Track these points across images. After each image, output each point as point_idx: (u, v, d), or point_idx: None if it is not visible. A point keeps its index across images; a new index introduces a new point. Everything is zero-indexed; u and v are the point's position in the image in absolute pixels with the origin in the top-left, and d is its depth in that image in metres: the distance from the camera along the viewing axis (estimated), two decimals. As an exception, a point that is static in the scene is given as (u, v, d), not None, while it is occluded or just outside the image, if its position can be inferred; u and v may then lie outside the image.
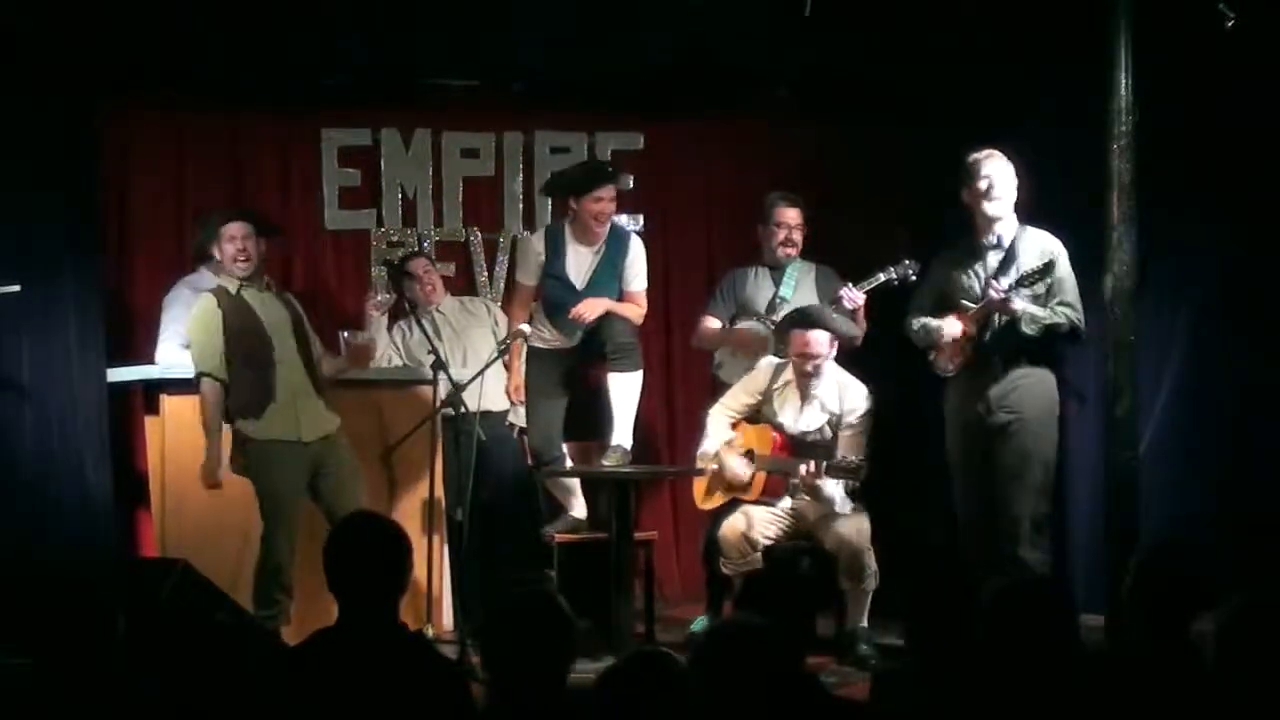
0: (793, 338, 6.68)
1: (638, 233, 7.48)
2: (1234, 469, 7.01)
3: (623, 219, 7.41)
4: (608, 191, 6.90)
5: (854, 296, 6.89)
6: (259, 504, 6.22)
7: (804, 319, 6.72)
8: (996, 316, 6.32)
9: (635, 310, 7.06)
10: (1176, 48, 6.61)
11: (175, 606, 5.37)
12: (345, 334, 6.68)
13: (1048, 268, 6.22)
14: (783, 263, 7.28)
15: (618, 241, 7.01)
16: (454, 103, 8.00)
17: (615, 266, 6.98)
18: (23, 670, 3.55)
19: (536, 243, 7.08)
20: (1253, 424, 6.99)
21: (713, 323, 7.33)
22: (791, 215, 7.27)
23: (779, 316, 7.16)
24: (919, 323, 6.53)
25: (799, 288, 7.20)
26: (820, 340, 6.62)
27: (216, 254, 6.44)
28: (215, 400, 6.26)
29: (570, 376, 7.16)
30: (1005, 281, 6.19)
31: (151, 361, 6.97)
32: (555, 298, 7.01)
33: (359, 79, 7.67)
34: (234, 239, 6.35)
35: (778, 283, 7.27)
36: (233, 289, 6.36)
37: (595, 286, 6.96)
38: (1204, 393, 7.03)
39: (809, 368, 6.63)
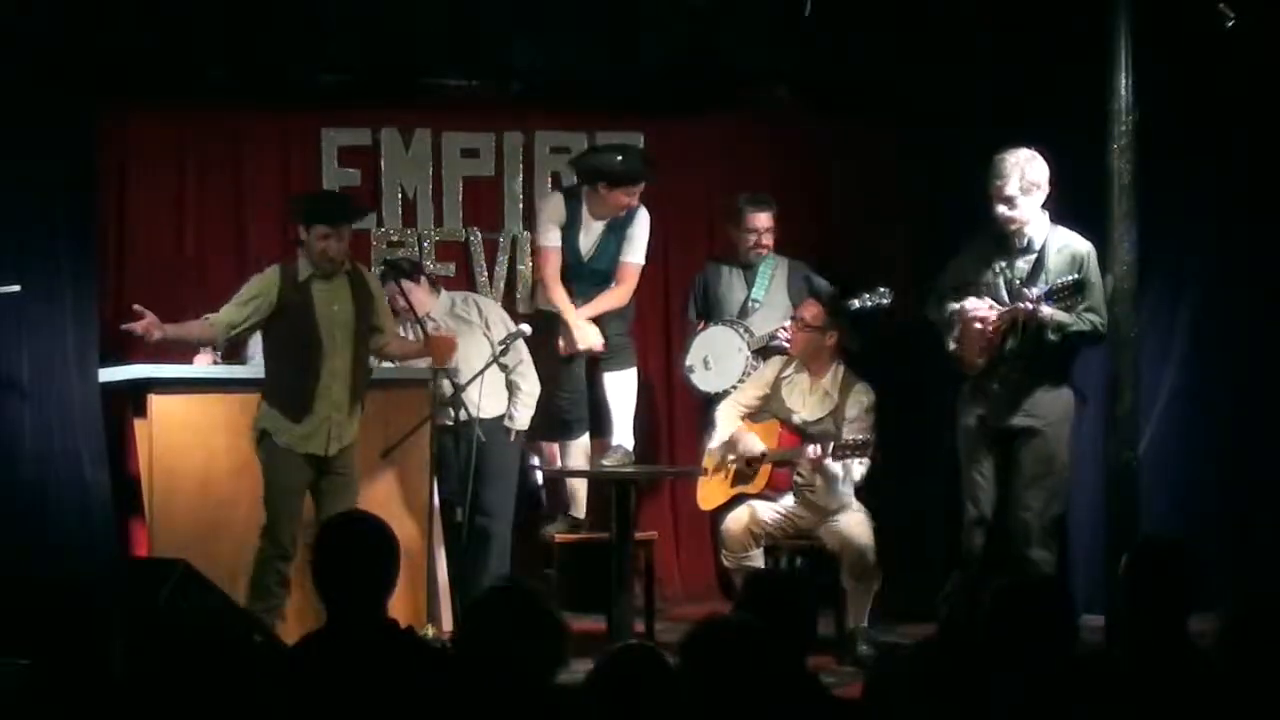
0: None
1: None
2: (1234, 469, 7.02)
3: None
4: (640, 188, 7.00)
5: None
6: (264, 494, 6.17)
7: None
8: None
9: (622, 292, 7.11)
10: (1176, 48, 6.62)
11: (175, 606, 5.36)
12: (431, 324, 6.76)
13: (1079, 286, 6.08)
14: (754, 262, 7.32)
15: (627, 214, 7.08)
16: (454, 103, 8.00)
17: (618, 236, 7.07)
18: (23, 670, 3.55)
19: (559, 203, 7.15)
20: (1253, 423, 7.00)
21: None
22: (761, 219, 7.33)
23: (751, 319, 7.21)
24: (949, 308, 6.34)
25: (771, 287, 7.25)
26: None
27: (303, 234, 6.17)
28: (190, 331, 6.33)
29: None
30: (1035, 291, 6.09)
31: (150, 360, 6.94)
32: (566, 263, 7.12)
33: (359, 79, 7.67)
34: (327, 237, 6.12)
35: (750, 283, 7.34)
36: (303, 275, 6.18)
37: (599, 259, 7.08)
38: (1204, 392, 7.04)
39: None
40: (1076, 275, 6.09)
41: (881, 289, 6.95)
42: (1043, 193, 6.20)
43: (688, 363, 7.38)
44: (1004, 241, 6.26)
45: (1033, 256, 6.21)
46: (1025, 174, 6.14)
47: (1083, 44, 6.48)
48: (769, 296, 7.24)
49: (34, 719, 3.47)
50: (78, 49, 6.78)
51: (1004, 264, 6.26)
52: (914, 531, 7.26)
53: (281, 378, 6.20)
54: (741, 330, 7.28)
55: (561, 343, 7.01)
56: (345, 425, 6.22)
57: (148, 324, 6.09)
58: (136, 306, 6.15)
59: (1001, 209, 6.18)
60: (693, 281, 7.58)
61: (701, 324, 7.44)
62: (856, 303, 6.95)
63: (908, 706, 3.19)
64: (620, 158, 7.07)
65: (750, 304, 7.30)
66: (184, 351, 6.99)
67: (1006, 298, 6.21)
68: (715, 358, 7.33)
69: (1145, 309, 6.55)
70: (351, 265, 6.34)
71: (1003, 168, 6.16)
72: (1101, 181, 6.27)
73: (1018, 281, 6.20)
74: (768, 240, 7.34)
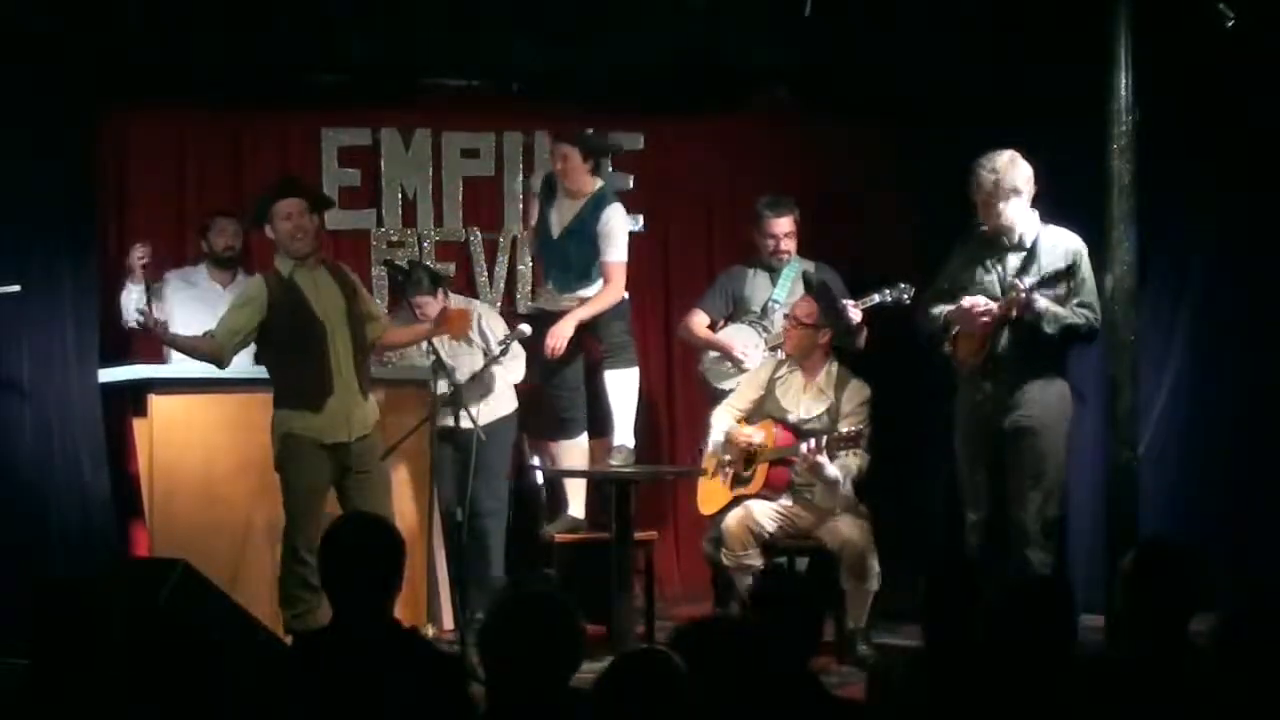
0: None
1: (627, 207, 7.35)
2: (1234, 469, 7.02)
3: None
4: (558, 149, 7.06)
5: (852, 314, 6.91)
6: (284, 499, 6.06)
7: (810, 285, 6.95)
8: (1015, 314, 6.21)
9: (611, 293, 7.07)
10: (1176, 48, 6.62)
11: (175, 606, 5.37)
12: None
13: (1071, 270, 6.11)
14: (777, 265, 7.33)
15: (598, 202, 7.08)
16: (454, 103, 8.00)
17: (587, 226, 7.04)
18: (23, 670, 3.55)
19: (537, 181, 7.38)
20: (1253, 423, 7.00)
21: (701, 317, 7.41)
22: (780, 225, 7.31)
23: (772, 319, 7.21)
24: (939, 309, 6.39)
25: (792, 289, 7.25)
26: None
27: (270, 234, 6.15)
28: (199, 345, 6.14)
29: (577, 336, 7.14)
30: (1028, 281, 6.12)
31: (146, 361, 6.94)
32: (540, 241, 7.27)
33: (359, 79, 7.67)
34: (289, 216, 6.08)
35: (774, 284, 7.33)
36: (285, 271, 6.12)
37: (568, 240, 7.06)
38: (1204, 393, 7.04)
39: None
40: (1067, 262, 6.13)
41: (902, 284, 6.93)
42: (1026, 194, 6.21)
43: (705, 363, 7.39)
44: (994, 242, 6.29)
45: (1023, 253, 6.23)
46: (1004, 181, 6.16)
47: (1083, 44, 6.48)
48: (790, 298, 7.23)
49: (34, 719, 3.48)
50: (78, 49, 6.77)
51: (995, 261, 6.28)
52: (914, 531, 7.26)
53: (291, 373, 6.09)
54: (760, 330, 7.30)
55: None
56: (362, 410, 6.15)
57: (159, 322, 6.12)
58: (143, 308, 6.15)
59: (985, 216, 6.22)
60: (716, 278, 7.57)
61: (723, 323, 7.43)
62: (877, 297, 6.93)
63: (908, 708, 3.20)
64: (591, 130, 7.29)
65: (771, 304, 7.31)
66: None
67: (1000, 295, 6.22)
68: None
69: (1145, 309, 6.55)
70: (325, 260, 6.32)
71: (981, 176, 6.19)
72: (1101, 181, 6.28)
73: (1009, 277, 6.21)
74: (787, 245, 7.31)
